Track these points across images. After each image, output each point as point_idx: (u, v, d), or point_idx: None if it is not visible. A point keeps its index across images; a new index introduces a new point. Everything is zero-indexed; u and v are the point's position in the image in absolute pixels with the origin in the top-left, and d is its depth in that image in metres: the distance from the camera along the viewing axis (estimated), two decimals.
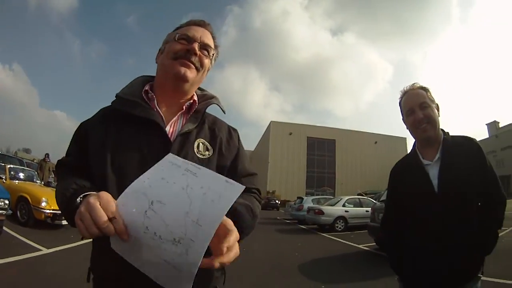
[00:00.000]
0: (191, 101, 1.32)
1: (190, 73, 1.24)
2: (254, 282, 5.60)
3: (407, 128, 1.96)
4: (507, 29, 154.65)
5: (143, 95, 1.26)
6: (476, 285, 1.82)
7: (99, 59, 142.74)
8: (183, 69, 1.22)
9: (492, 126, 64.51)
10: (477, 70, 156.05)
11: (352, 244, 10.59)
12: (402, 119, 1.98)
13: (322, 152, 59.89)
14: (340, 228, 14.56)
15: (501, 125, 63.48)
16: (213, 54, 1.33)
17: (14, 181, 9.80)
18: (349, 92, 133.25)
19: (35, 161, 20.68)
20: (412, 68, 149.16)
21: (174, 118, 1.26)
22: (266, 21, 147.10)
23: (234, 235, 0.90)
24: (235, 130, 1.43)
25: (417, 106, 1.86)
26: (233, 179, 1.15)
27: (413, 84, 1.96)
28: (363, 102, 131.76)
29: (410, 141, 2.07)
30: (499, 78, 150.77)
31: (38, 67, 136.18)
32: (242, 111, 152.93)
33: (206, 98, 1.39)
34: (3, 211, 6.28)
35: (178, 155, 1.07)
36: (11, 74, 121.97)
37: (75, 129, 1.28)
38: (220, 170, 1.21)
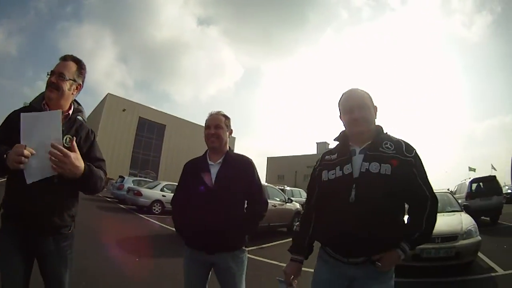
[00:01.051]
0: (67, 113, 2.11)
1: (52, 94, 2.02)
2: (76, 251, 6.04)
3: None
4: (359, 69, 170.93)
5: (42, 106, 2.06)
6: (242, 254, 2.51)
7: None
8: (48, 93, 2.03)
9: (322, 145, 72.82)
10: (318, 96, 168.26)
11: (166, 226, 11.45)
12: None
13: (151, 134, 58.16)
14: (157, 211, 15.43)
15: (330, 146, 72.34)
16: (66, 77, 2.04)
17: None
18: (194, 81, 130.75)
19: None
20: (261, 77, 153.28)
21: None
22: None
23: (69, 152, 1.83)
24: (92, 132, 2.22)
25: (212, 126, 2.56)
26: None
27: (218, 111, 2.69)
28: (205, 94, 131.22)
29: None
30: (333, 107, 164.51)
31: None
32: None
33: (77, 111, 2.19)
34: None
35: None
36: None
37: None
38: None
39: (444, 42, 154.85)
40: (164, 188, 16.80)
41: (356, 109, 1.95)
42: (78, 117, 2.20)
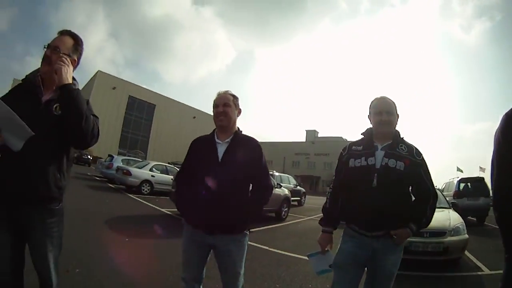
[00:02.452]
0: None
1: (46, 67, 2.04)
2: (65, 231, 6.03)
3: None
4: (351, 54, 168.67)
5: (36, 79, 2.08)
6: (243, 238, 2.47)
7: None
8: (42, 66, 2.06)
9: (311, 133, 73.99)
10: (309, 85, 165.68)
11: (155, 207, 11.48)
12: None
13: (140, 114, 57.84)
14: (146, 191, 15.26)
15: (319, 135, 72.71)
16: (61, 51, 2.05)
17: None
18: (185, 62, 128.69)
19: None
20: (254, 61, 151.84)
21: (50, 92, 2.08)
22: None
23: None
24: (87, 102, 2.11)
25: (221, 104, 2.52)
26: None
27: (226, 90, 2.64)
28: (195, 76, 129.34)
29: None
30: (325, 96, 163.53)
31: None
32: None
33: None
34: None
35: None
36: None
37: None
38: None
39: (440, 43, 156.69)
40: (153, 169, 16.60)
41: (384, 113, 2.40)
42: None
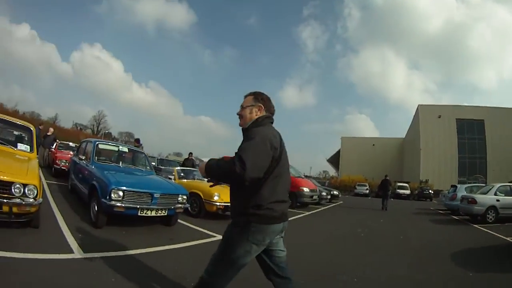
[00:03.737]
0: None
1: (239, 122, 2.69)
2: (412, 263, 6.35)
3: None
4: None
5: None
6: None
7: (233, 63, 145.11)
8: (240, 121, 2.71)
9: None
10: None
11: (501, 236, 10.45)
12: None
13: (472, 135, 52.28)
14: (490, 219, 13.72)
15: None
16: (246, 106, 2.67)
17: (182, 180, 10.83)
18: (489, 60, 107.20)
19: None
20: None
21: None
22: None
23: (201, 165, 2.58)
24: (254, 132, 2.46)
25: None
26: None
27: None
28: (507, 68, 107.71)
29: None
30: None
31: (174, 80, 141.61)
32: (386, 94, 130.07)
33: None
34: (182, 205, 7.30)
35: None
36: (149, 91, 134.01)
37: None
38: None
39: None
40: (497, 192, 14.27)
41: None
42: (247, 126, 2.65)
